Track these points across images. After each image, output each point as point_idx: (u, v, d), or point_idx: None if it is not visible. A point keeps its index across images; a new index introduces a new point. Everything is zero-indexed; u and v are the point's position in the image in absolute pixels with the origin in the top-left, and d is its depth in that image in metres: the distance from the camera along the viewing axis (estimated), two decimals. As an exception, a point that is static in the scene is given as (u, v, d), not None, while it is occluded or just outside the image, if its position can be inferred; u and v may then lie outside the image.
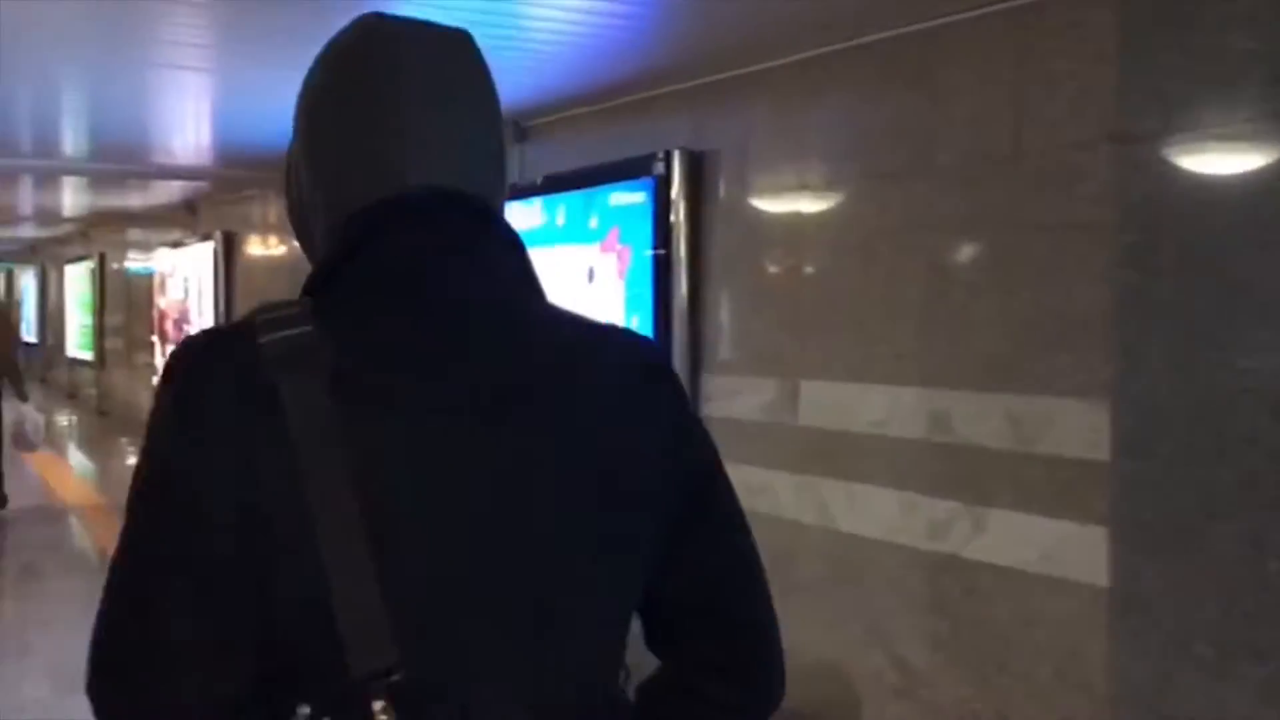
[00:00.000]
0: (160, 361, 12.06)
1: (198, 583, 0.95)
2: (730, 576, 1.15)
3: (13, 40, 4.03)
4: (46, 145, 7.26)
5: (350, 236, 1.04)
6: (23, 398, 8.45)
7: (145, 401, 13.19)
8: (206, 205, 10.91)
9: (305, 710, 0.95)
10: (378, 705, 0.91)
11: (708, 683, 1.15)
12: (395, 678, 0.91)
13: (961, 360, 3.31)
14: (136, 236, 13.93)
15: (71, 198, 11.58)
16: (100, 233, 15.97)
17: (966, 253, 3.37)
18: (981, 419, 3.21)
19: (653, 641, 1.16)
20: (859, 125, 3.77)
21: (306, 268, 1.13)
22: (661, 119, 4.72)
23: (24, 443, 8.18)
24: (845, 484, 3.73)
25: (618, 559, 1.07)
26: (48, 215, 14.08)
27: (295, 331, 0.98)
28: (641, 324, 4.54)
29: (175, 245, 11.52)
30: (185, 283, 11.19)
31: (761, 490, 3.99)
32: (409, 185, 1.05)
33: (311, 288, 1.05)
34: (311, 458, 0.93)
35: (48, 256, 20.67)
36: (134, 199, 11.12)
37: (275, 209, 9.27)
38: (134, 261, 14.18)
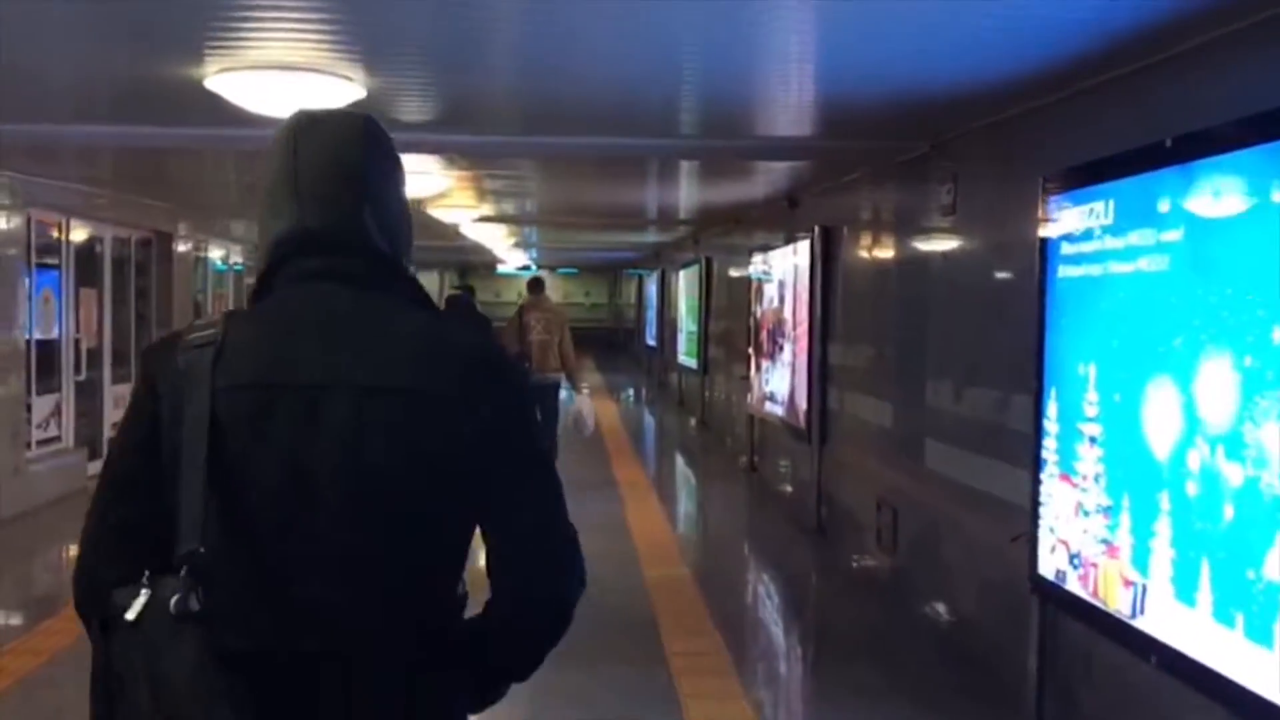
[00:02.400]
0: (754, 376, 10.64)
1: (120, 489, 1.56)
2: (538, 524, 1.62)
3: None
4: (665, 119, 5.91)
5: (269, 267, 1.62)
6: (577, 389, 10.54)
7: (741, 417, 11.93)
8: (808, 197, 9.20)
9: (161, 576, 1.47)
10: (183, 571, 1.45)
11: (508, 613, 1.60)
12: (199, 555, 1.46)
13: None
14: (739, 239, 12.74)
15: (685, 192, 10.54)
16: (708, 235, 15.17)
17: None
18: None
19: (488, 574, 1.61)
20: None
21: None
22: None
23: (580, 425, 10.04)
24: None
25: (428, 499, 1.53)
26: (666, 217, 13.39)
27: (205, 334, 1.56)
28: None
29: (765, 248, 10.01)
30: (780, 288, 9.58)
31: None
32: (306, 233, 1.59)
33: (249, 298, 1.64)
34: (189, 406, 1.50)
35: (666, 261, 20.70)
36: (740, 190, 9.75)
37: (884, 197, 7.24)
38: (735, 266, 13.03)
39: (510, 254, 23.50)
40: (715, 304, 14.47)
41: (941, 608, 5.88)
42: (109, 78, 4.87)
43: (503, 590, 1.59)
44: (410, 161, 8.03)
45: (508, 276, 29.09)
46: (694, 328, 15.69)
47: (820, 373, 8.33)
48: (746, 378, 11.12)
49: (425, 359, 1.55)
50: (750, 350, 10.89)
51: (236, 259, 14.78)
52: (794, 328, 9.01)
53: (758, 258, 10.63)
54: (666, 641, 5.66)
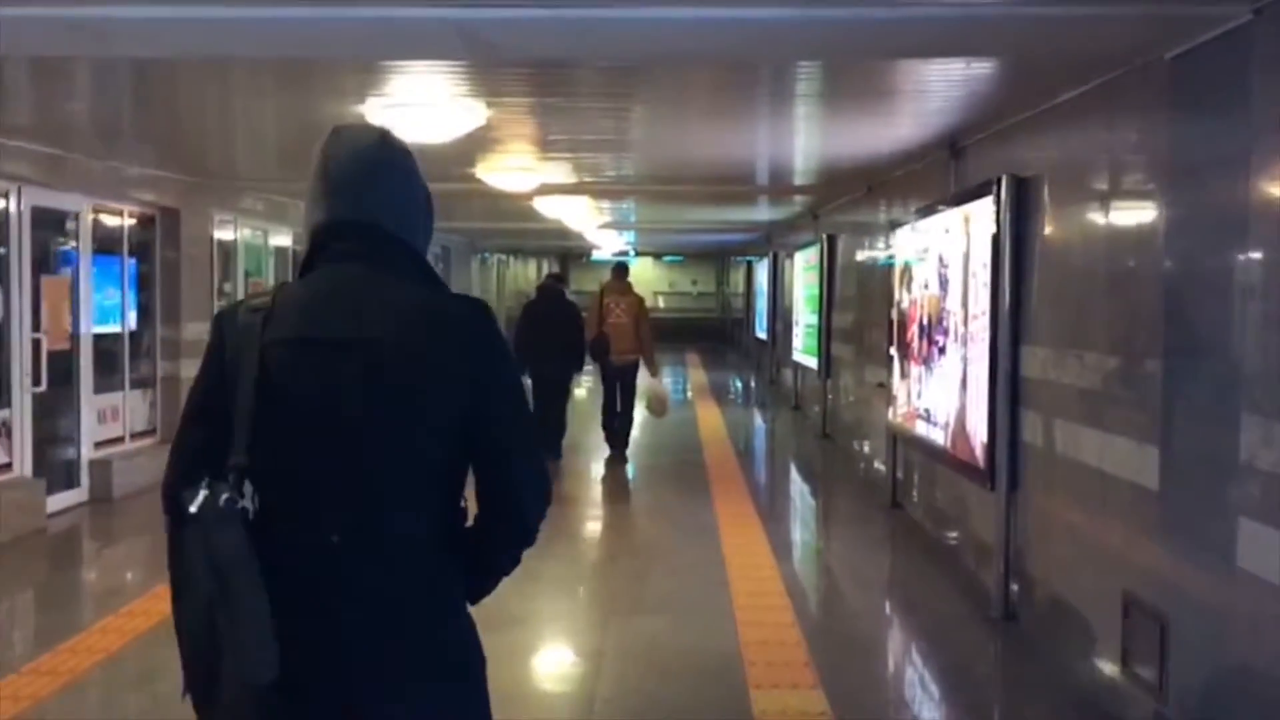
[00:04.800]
0: (898, 384, 8.15)
1: (195, 418, 2.00)
2: (504, 456, 1.99)
3: None
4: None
5: (310, 249, 2.05)
6: (654, 374, 10.95)
7: (877, 432, 9.42)
8: (981, 141, 6.65)
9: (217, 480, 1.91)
10: (249, 489, 1.91)
11: (484, 525, 2.02)
12: (245, 465, 1.91)
13: None
14: (871, 211, 10.19)
15: (803, 141, 7.89)
16: (829, 210, 12.64)
17: None
18: None
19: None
20: None
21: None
22: None
23: (657, 408, 10.83)
24: None
25: (421, 432, 1.93)
26: (779, 182, 10.74)
27: (260, 301, 2.01)
28: None
29: (914, 217, 7.40)
30: (941, 269, 7.03)
31: None
32: (335, 220, 2.02)
33: (298, 273, 2.07)
34: (244, 354, 1.94)
35: (778, 244, 18.20)
36: (875, 132, 7.20)
37: (1135, 120, 4.69)
38: (866, 245, 10.48)
39: (602, 237, 21.20)
40: (840, 292, 11.92)
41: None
42: None
43: (486, 507, 2.00)
44: (412, 87, 5.72)
45: (607, 264, 26.85)
46: (813, 320, 13.14)
47: (1009, 388, 5.78)
48: (886, 385, 8.59)
49: (423, 321, 1.95)
50: (893, 351, 8.35)
51: (283, 239, 12.69)
52: (964, 323, 6.47)
53: (903, 231, 8.08)
54: None
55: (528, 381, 10.55)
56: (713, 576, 6.54)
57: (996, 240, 5.86)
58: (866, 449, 10.19)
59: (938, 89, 5.70)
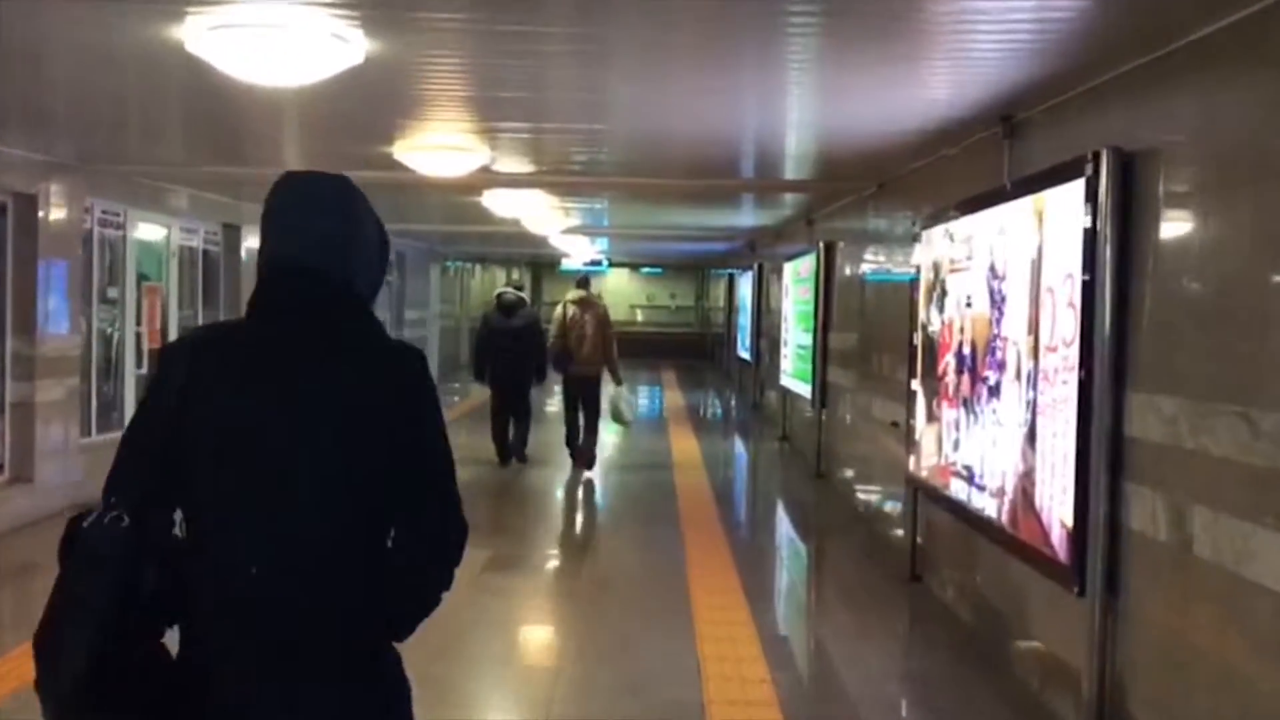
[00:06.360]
0: (922, 428, 6.46)
1: (130, 447, 2.02)
2: (426, 500, 2.06)
3: None
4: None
5: (256, 289, 2.08)
6: (618, 382, 10.96)
7: (887, 477, 7.71)
8: (1049, 111, 4.95)
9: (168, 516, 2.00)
10: (178, 517, 1.98)
11: (401, 563, 2.05)
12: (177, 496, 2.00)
13: None
14: (885, 214, 8.49)
15: (797, 112, 6.06)
16: (827, 214, 10.95)
17: None
18: None
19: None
20: None
21: None
22: None
23: (618, 415, 10.99)
24: None
25: (346, 475, 1.99)
26: (766, 170, 8.83)
27: (205, 337, 2.22)
28: None
29: (946, 217, 5.62)
30: (992, 281, 5.30)
31: None
32: (279, 263, 2.07)
33: (247, 312, 2.10)
34: (185, 391, 1.98)
35: (764, 255, 16.51)
36: (894, 108, 5.48)
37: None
38: (875, 253, 8.77)
39: (570, 243, 19.47)
40: (840, 309, 10.20)
41: None
42: None
43: (405, 547, 2.05)
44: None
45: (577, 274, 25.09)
46: (806, 340, 11.42)
47: (1108, 453, 4.05)
48: (904, 426, 6.88)
49: (358, 368, 2.04)
50: (915, 384, 6.63)
51: (190, 239, 10.88)
52: (1031, 355, 4.74)
53: (933, 233, 6.36)
54: None
55: (486, 390, 11.09)
56: (684, 699, 4.77)
57: (1091, 241, 4.14)
58: (875, 500, 8.46)
59: (993, 22, 3.93)
